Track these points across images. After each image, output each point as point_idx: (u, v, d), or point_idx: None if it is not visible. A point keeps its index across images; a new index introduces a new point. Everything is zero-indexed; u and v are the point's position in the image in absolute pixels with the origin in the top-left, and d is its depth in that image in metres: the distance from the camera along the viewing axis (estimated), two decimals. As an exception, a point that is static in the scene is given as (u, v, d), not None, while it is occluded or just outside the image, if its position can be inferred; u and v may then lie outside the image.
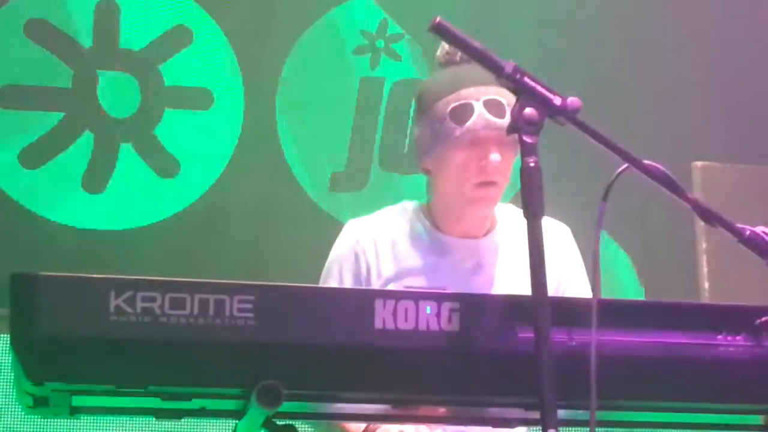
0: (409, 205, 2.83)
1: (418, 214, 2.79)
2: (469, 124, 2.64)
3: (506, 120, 2.61)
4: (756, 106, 4.53)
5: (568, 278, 2.73)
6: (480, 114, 2.63)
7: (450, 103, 2.66)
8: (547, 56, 4.23)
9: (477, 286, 2.70)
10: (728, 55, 4.56)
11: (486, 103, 2.64)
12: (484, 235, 2.78)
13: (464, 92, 2.66)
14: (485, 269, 2.75)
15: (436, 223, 2.78)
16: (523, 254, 2.69)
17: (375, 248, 2.74)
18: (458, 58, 2.70)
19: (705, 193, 3.37)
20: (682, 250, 3.80)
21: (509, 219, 2.80)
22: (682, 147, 4.13)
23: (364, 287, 2.67)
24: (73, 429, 3.64)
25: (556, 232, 2.76)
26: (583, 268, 2.80)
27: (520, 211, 2.79)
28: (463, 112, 2.64)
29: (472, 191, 2.68)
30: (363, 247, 2.74)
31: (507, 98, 2.63)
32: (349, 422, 2.61)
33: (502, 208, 2.82)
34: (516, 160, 2.71)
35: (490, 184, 2.67)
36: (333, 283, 2.72)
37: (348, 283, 2.70)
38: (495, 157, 2.64)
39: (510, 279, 2.71)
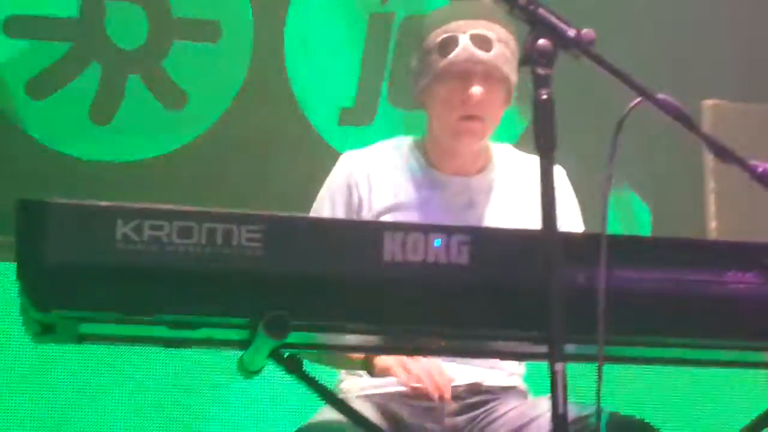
0: (404, 140, 2.82)
1: (413, 150, 2.79)
2: (451, 56, 2.63)
3: (492, 54, 2.61)
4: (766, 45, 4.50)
5: (563, 219, 2.72)
6: (464, 46, 2.63)
7: (438, 36, 2.67)
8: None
9: (468, 222, 2.68)
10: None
11: (472, 36, 2.63)
12: (478, 172, 2.77)
13: (452, 25, 2.66)
14: (477, 207, 2.74)
15: (429, 159, 2.77)
16: (517, 194, 2.71)
17: (368, 181, 2.74)
18: None
19: (715, 131, 3.34)
20: (689, 188, 3.78)
21: (505, 158, 2.79)
22: (692, 85, 4.10)
23: (355, 213, 2.68)
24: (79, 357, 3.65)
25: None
26: (578, 209, 2.79)
27: (518, 152, 2.82)
28: (448, 45, 2.64)
29: (455, 124, 2.67)
30: (356, 179, 2.74)
31: (497, 33, 2.62)
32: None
33: (499, 147, 2.82)
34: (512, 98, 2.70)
35: (473, 117, 2.66)
36: (325, 214, 2.72)
37: (340, 215, 2.70)
38: (476, 89, 2.63)
39: (501, 217, 2.71)
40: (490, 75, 2.62)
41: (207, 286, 1.87)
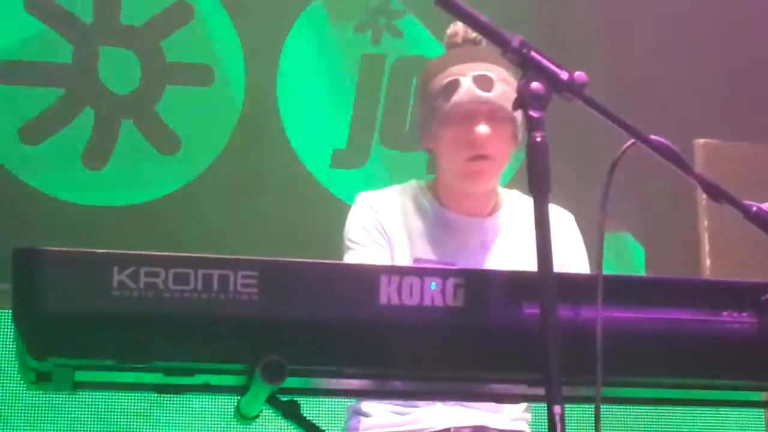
0: (416, 184, 2.85)
1: (425, 192, 2.81)
2: (455, 98, 2.66)
3: (494, 94, 2.64)
4: (757, 83, 4.53)
5: (571, 266, 2.74)
6: (467, 88, 2.65)
7: (441, 80, 2.69)
8: (547, 33, 4.22)
9: (480, 264, 2.70)
10: (730, 32, 4.56)
11: (474, 77, 2.66)
12: (489, 214, 2.79)
13: (454, 69, 2.69)
14: (489, 248, 2.76)
15: (441, 201, 2.79)
16: (526, 237, 2.71)
17: (389, 220, 2.75)
18: (460, 40, 2.74)
19: (707, 170, 3.35)
20: (683, 227, 3.80)
21: (514, 202, 2.82)
22: (683, 124, 4.12)
23: (389, 251, 2.69)
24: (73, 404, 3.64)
25: (560, 219, 2.77)
26: (586, 256, 2.80)
27: (525, 197, 2.83)
28: (451, 88, 2.67)
29: (464, 166, 2.70)
30: (379, 216, 2.75)
31: (497, 74, 2.65)
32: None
33: (508, 192, 2.84)
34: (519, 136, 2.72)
35: (481, 157, 2.68)
36: (362, 242, 2.72)
37: (378, 239, 2.71)
38: (483, 129, 2.65)
39: (513, 259, 2.72)
40: (494, 114, 2.66)
41: (203, 333, 1.86)
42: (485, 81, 2.66)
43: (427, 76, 2.75)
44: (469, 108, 2.66)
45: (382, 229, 2.74)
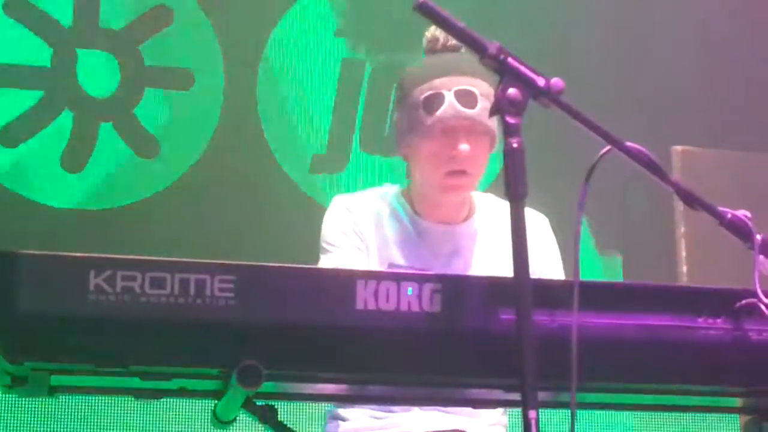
0: (390, 189, 2.84)
1: (399, 198, 2.81)
2: (438, 113, 2.66)
3: (477, 110, 2.64)
4: (735, 91, 4.56)
5: (545, 269, 2.75)
6: (450, 104, 2.65)
7: (423, 92, 2.68)
8: (527, 41, 4.23)
9: (454, 270, 2.71)
10: (708, 41, 4.58)
11: (457, 93, 2.65)
12: (462, 221, 2.80)
13: (437, 82, 2.68)
14: (462, 255, 2.76)
15: (415, 208, 2.80)
16: (500, 242, 2.73)
17: (364, 224, 2.75)
18: (439, 46, 2.73)
19: (684, 177, 3.37)
20: (660, 233, 3.81)
21: (488, 207, 2.82)
22: (661, 131, 4.14)
23: (366, 253, 2.69)
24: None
25: (534, 223, 2.78)
26: (560, 259, 2.82)
27: (499, 200, 2.84)
28: (433, 102, 2.66)
29: (442, 180, 2.70)
30: (355, 219, 2.75)
31: (480, 88, 2.65)
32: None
33: (482, 196, 2.85)
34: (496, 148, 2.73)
35: (460, 173, 2.69)
36: (339, 244, 2.72)
37: (358, 245, 2.71)
38: (464, 147, 2.66)
39: (487, 265, 2.73)
40: (474, 130, 2.66)
41: (180, 337, 1.86)
42: (468, 97, 2.65)
43: (409, 84, 2.73)
44: (451, 124, 2.66)
45: (358, 231, 2.74)
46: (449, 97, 2.65)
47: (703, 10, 4.60)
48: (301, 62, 4.33)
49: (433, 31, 2.75)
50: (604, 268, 4.39)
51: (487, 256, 2.75)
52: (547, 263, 2.77)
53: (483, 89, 2.66)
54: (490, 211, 2.81)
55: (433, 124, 2.66)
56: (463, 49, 2.69)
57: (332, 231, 2.75)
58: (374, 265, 2.70)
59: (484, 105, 2.64)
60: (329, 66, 4.35)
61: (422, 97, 2.68)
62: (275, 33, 4.30)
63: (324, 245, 2.75)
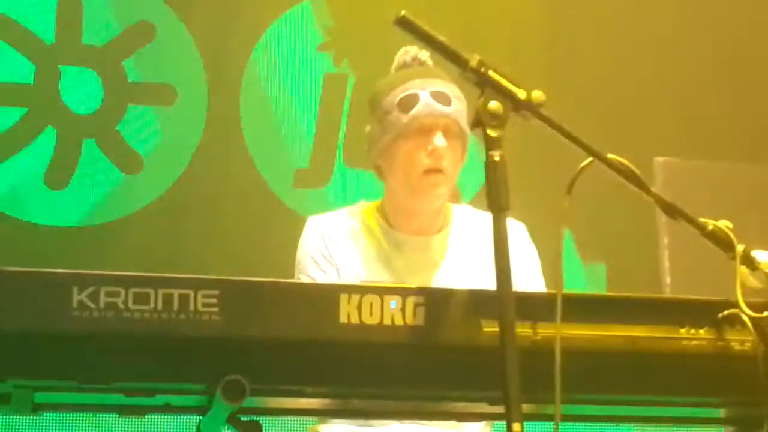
0: (364, 205, 2.86)
1: (373, 213, 2.83)
2: (414, 111, 2.69)
3: (451, 108, 2.68)
4: (717, 102, 4.58)
5: (523, 277, 2.75)
6: (425, 102, 2.69)
7: (397, 94, 2.72)
8: (511, 54, 4.24)
9: (428, 282, 2.71)
10: (688, 54, 4.60)
11: (432, 92, 2.70)
12: (437, 232, 2.81)
13: (410, 83, 2.73)
14: (438, 266, 2.77)
15: (389, 221, 2.81)
16: (476, 252, 2.74)
17: (336, 244, 2.76)
18: (410, 58, 2.77)
19: (666, 188, 3.38)
20: (644, 245, 3.82)
21: (463, 218, 2.84)
22: (643, 143, 4.15)
23: (336, 270, 2.70)
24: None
25: (512, 231, 2.78)
26: (539, 266, 2.82)
27: (477, 211, 2.85)
28: (409, 101, 2.70)
29: (419, 179, 2.72)
30: (327, 242, 2.76)
31: (452, 91, 2.70)
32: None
33: (459, 208, 2.86)
34: (474, 154, 2.74)
35: (437, 171, 2.70)
36: (310, 272, 2.73)
37: (328, 271, 2.72)
38: (439, 140, 2.69)
39: (462, 276, 2.74)
40: (449, 129, 2.70)
41: (163, 353, 1.86)
42: (443, 96, 2.70)
43: (381, 92, 2.77)
44: (427, 121, 2.70)
45: (329, 256, 2.75)
46: (424, 97, 2.70)
47: (685, 22, 4.62)
48: (285, 77, 4.33)
49: (404, 48, 2.79)
50: (588, 278, 4.40)
51: (462, 268, 2.76)
52: (525, 271, 2.77)
53: (455, 92, 2.72)
54: (465, 222, 2.82)
55: (409, 122, 2.69)
56: (431, 64, 2.73)
57: (304, 259, 2.78)
58: (349, 282, 2.70)
59: (457, 106, 2.69)
60: (312, 81, 4.35)
61: (397, 99, 2.71)
62: (258, 48, 4.30)
63: (298, 273, 2.78)
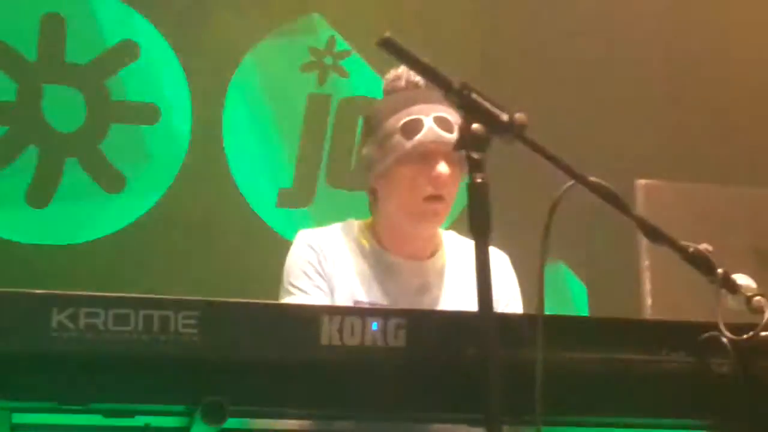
0: (355, 224, 2.84)
1: (364, 233, 2.81)
2: (419, 136, 2.68)
3: (454, 136, 2.66)
4: (697, 124, 4.60)
5: (507, 308, 2.75)
6: (430, 128, 2.68)
7: (401, 119, 2.70)
8: (491, 74, 4.26)
9: (422, 306, 2.70)
10: (668, 75, 4.63)
11: (436, 118, 2.69)
12: (429, 257, 2.80)
13: (415, 108, 2.71)
14: (431, 290, 2.76)
15: (381, 243, 2.79)
16: (467, 278, 2.73)
17: (330, 262, 2.75)
18: (403, 83, 2.75)
19: (648, 210, 3.38)
20: (625, 266, 3.82)
21: (453, 244, 2.83)
22: (625, 165, 4.16)
23: (330, 290, 2.69)
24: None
25: (495, 261, 2.79)
26: (520, 297, 2.82)
27: (462, 238, 2.84)
28: (413, 127, 2.68)
29: (420, 206, 2.70)
30: (320, 257, 2.75)
31: (455, 117, 2.68)
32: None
33: (446, 234, 2.85)
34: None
35: (438, 198, 2.70)
36: (304, 287, 2.71)
37: (322, 287, 2.70)
38: (443, 168, 2.68)
39: (455, 302, 2.73)
40: (451, 156, 2.68)
41: (143, 374, 1.86)
42: (446, 122, 2.68)
43: (382, 115, 2.74)
44: (431, 147, 2.68)
45: (322, 271, 2.73)
46: (428, 122, 2.68)
47: (665, 42, 4.64)
48: (268, 97, 4.33)
49: (394, 72, 2.78)
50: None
51: (455, 293, 2.75)
52: (508, 302, 2.78)
53: (457, 118, 2.70)
54: (455, 248, 2.82)
55: (413, 147, 2.68)
56: (424, 86, 2.72)
57: (295, 272, 2.74)
58: (341, 301, 2.69)
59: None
60: (296, 100, 4.36)
61: (400, 123, 2.69)
62: (242, 67, 4.31)
63: (287, 286, 2.74)
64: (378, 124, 2.74)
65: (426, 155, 2.68)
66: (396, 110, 2.72)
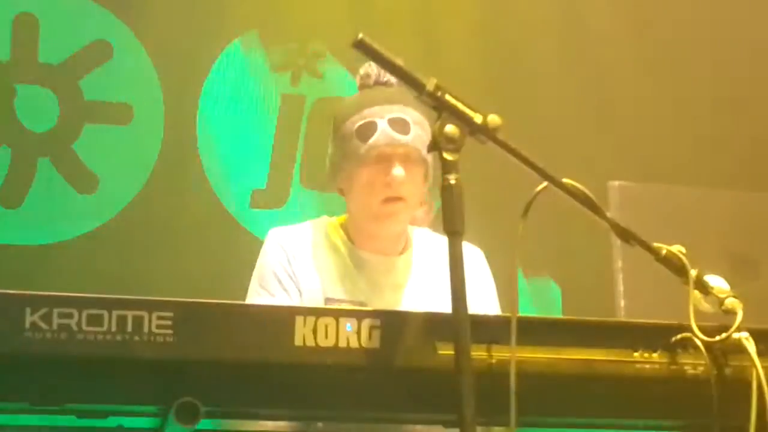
0: (327, 220, 2.85)
1: (337, 230, 2.82)
2: (372, 140, 2.68)
3: (410, 137, 2.67)
4: (670, 125, 4.62)
5: (480, 303, 2.76)
6: (383, 131, 2.68)
7: (355, 122, 2.71)
8: (471, 74, 4.26)
9: (392, 303, 2.71)
10: (642, 78, 4.64)
11: (390, 120, 2.69)
12: (400, 253, 2.81)
13: (367, 111, 2.72)
14: (402, 287, 2.77)
15: (353, 240, 2.80)
16: (438, 275, 2.73)
17: (299, 262, 2.75)
18: (372, 82, 2.76)
19: (621, 212, 3.41)
20: (598, 268, 3.84)
21: (424, 241, 2.84)
22: (598, 167, 4.18)
23: (298, 291, 2.68)
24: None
25: (470, 256, 2.79)
26: (495, 292, 2.83)
27: (435, 235, 2.85)
28: (367, 130, 2.69)
29: (378, 208, 2.72)
30: (290, 256, 2.75)
31: (412, 117, 2.69)
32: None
33: (418, 231, 2.86)
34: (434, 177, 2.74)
35: (396, 199, 2.71)
36: (271, 289, 2.71)
37: (290, 290, 2.70)
38: (398, 171, 2.68)
39: (425, 298, 2.73)
40: (409, 157, 2.69)
41: (117, 374, 1.85)
42: (401, 124, 2.69)
43: (341, 116, 2.76)
44: (385, 150, 2.69)
45: (291, 272, 2.73)
46: (382, 125, 2.69)
47: (641, 47, 4.66)
48: (242, 97, 4.33)
49: (366, 68, 2.78)
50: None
51: (425, 290, 2.76)
52: (482, 298, 2.78)
53: (414, 117, 2.71)
54: (426, 245, 2.83)
55: (367, 151, 2.69)
56: (395, 84, 2.72)
57: (266, 273, 2.75)
58: (312, 298, 2.70)
59: (417, 132, 2.68)
60: (269, 101, 4.35)
61: (355, 126, 2.71)
62: (216, 67, 4.30)
63: (257, 287, 2.75)
64: (338, 126, 2.76)
65: (381, 158, 2.69)
66: (353, 112, 2.73)
